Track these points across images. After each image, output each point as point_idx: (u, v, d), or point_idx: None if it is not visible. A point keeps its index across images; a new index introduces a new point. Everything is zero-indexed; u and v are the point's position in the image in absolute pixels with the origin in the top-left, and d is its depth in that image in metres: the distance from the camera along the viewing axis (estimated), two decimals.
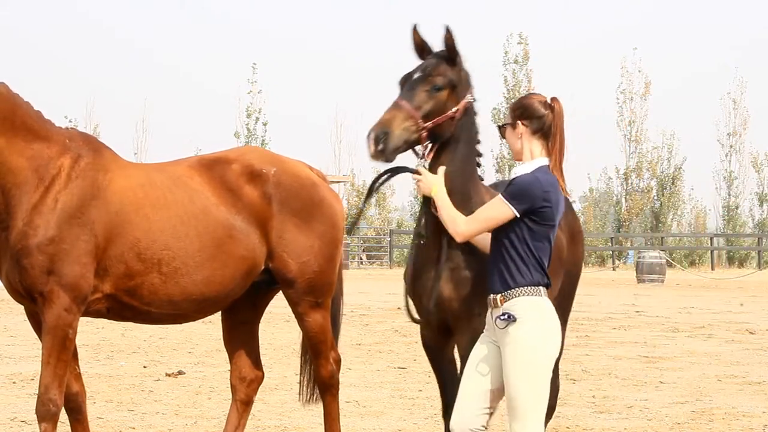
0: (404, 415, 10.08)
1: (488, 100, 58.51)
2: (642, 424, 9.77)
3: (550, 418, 7.67)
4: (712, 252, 55.10)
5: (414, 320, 5.96)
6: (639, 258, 38.09)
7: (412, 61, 5.96)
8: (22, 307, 6.98)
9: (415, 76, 5.80)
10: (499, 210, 5.41)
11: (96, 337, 16.54)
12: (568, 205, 7.52)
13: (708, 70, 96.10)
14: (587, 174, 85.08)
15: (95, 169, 6.77)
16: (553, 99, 5.52)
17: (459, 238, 5.57)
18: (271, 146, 57.04)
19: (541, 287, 5.41)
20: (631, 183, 61.31)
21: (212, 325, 16.74)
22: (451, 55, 5.84)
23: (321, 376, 7.43)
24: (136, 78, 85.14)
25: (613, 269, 51.98)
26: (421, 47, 5.96)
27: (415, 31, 5.94)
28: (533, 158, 5.50)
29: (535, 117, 5.48)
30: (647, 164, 61.04)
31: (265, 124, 58.57)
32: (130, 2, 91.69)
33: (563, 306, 7.44)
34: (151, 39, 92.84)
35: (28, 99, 6.79)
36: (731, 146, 61.79)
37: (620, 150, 62.25)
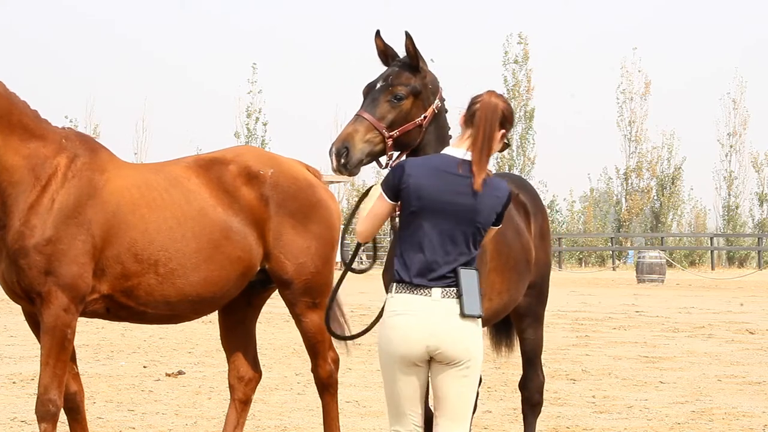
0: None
1: None
2: (642, 424, 9.76)
3: (538, 414, 7.66)
4: (712, 252, 55.06)
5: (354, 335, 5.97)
6: (639, 258, 38.07)
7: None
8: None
9: (377, 86, 5.76)
10: (378, 200, 5.33)
11: (96, 337, 16.54)
12: (539, 207, 7.39)
13: (708, 70, 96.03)
14: (587, 174, 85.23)
15: (92, 169, 6.77)
16: (489, 92, 5.33)
17: (358, 238, 5.47)
18: (271, 146, 57.11)
19: (394, 284, 5.27)
20: (631, 183, 61.31)
21: (212, 325, 16.75)
22: (413, 62, 5.80)
23: (319, 376, 7.44)
24: (136, 78, 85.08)
25: (613, 269, 51.97)
26: (385, 53, 5.92)
27: (378, 37, 5.88)
28: (453, 145, 5.36)
29: (468, 105, 5.34)
30: (647, 164, 61.04)
31: (265, 124, 58.63)
32: (130, 2, 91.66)
33: (537, 303, 7.42)
34: (151, 39, 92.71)
35: (28, 98, 6.79)
36: (731, 146, 61.75)
37: (620, 150, 62.31)
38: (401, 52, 5.91)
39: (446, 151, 5.35)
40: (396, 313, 5.22)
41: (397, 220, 5.40)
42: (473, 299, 5.22)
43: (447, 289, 5.21)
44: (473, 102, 5.32)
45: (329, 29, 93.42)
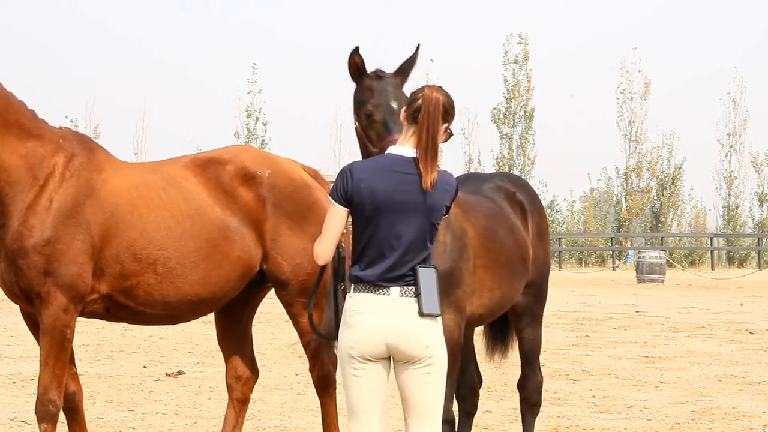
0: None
1: (488, 100, 58.40)
2: (642, 424, 9.76)
3: (536, 414, 7.68)
4: (712, 252, 55.05)
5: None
6: (639, 258, 38.06)
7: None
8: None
9: (396, 108, 5.81)
10: (331, 212, 5.31)
11: (96, 337, 16.54)
12: (536, 206, 7.39)
13: (708, 70, 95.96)
14: (587, 174, 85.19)
15: (89, 169, 6.77)
16: (429, 87, 5.29)
17: (317, 260, 5.42)
18: (271, 146, 57.11)
19: (352, 284, 5.25)
20: (631, 183, 61.32)
21: (212, 325, 16.66)
22: (406, 76, 5.93)
23: (317, 376, 7.44)
24: (136, 78, 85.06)
25: (613, 269, 51.97)
26: (360, 70, 5.98)
27: (357, 54, 5.93)
28: (399, 144, 5.33)
29: (409, 102, 5.31)
30: (647, 164, 61.04)
31: (265, 124, 58.62)
32: (131, 2, 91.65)
33: (535, 303, 7.41)
34: (151, 39, 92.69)
35: (27, 98, 6.80)
36: (731, 146, 61.73)
37: (620, 150, 62.28)
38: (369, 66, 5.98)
39: (392, 150, 5.32)
40: (356, 312, 5.21)
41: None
42: (431, 298, 5.21)
43: (405, 287, 5.20)
44: (414, 98, 5.28)
45: (329, 29, 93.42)
